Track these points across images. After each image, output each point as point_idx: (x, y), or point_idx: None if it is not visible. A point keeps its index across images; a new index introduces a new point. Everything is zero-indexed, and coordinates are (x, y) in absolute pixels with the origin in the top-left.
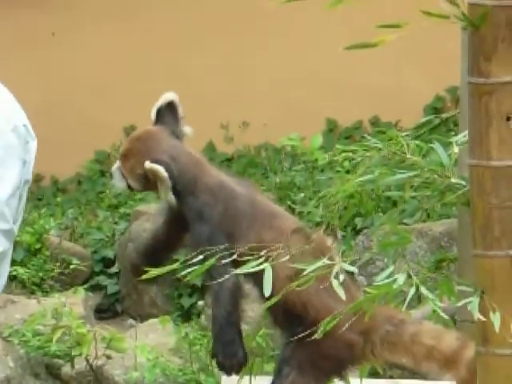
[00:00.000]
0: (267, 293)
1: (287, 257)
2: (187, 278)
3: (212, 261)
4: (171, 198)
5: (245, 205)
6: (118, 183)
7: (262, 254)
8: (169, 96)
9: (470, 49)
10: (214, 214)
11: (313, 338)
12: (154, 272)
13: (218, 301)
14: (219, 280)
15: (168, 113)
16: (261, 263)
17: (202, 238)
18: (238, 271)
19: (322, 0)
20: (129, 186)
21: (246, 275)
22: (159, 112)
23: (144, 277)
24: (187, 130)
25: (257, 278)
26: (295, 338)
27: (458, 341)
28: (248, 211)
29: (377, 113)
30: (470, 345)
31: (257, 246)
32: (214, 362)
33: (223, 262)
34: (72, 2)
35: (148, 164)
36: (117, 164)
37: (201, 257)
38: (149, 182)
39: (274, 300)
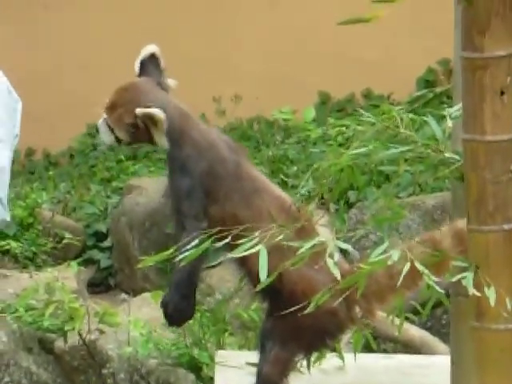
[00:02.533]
0: (263, 277)
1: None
2: (182, 263)
3: (206, 244)
4: (165, 142)
5: (229, 171)
6: (105, 137)
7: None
8: (150, 48)
9: (464, 23)
10: (196, 169)
11: (292, 310)
12: (151, 259)
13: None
14: (190, 234)
15: (151, 65)
16: (254, 245)
17: (181, 190)
18: (232, 254)
19: None
20: (117, 139)
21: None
22: (142, 65)
23: (141, 264)
24: (171, 82)
25: (242, 259)
26: (274, 311)
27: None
28: (231, 179)
29: (369, 85)
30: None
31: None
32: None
33: (196, 217)
34: None
35: (140, 110)
36: (102, 117)
37: (196, 242)
38: (138, 131)
39: (265, 283)
